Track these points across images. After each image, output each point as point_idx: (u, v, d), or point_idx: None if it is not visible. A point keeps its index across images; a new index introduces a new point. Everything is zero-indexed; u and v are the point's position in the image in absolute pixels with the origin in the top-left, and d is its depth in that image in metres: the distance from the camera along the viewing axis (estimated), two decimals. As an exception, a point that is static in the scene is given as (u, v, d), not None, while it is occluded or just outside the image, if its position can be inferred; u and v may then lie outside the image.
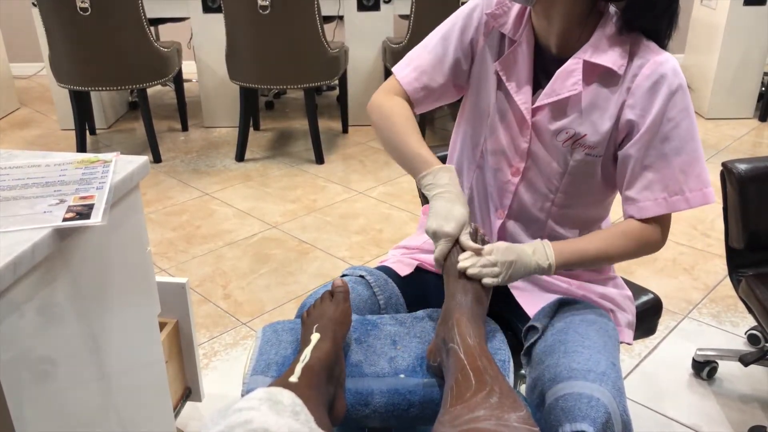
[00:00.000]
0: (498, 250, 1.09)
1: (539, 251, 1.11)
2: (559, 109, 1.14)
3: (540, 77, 1.18)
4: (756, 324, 1.71)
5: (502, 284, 1.09)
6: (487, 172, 1.25)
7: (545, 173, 1.19)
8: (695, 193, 1.12)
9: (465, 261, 1.07)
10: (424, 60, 1.24)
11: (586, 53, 1.11)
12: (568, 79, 1.12)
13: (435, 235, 1.10)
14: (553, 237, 1.23)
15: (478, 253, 1.08)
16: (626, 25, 1.10)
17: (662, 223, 1.15)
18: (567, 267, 1.13)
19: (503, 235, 1.26)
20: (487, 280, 1.07)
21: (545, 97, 1.14)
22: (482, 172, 1.27)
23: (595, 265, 1.21)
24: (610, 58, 1.10)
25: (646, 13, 1.08)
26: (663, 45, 1.12)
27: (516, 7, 1.17)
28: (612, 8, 1.12)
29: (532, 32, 1.16)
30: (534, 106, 1.16)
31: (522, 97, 1.17)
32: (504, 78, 1.18)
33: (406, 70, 1.25)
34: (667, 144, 1.10)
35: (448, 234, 1.08)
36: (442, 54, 1.23)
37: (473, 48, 1.22)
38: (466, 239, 1.09)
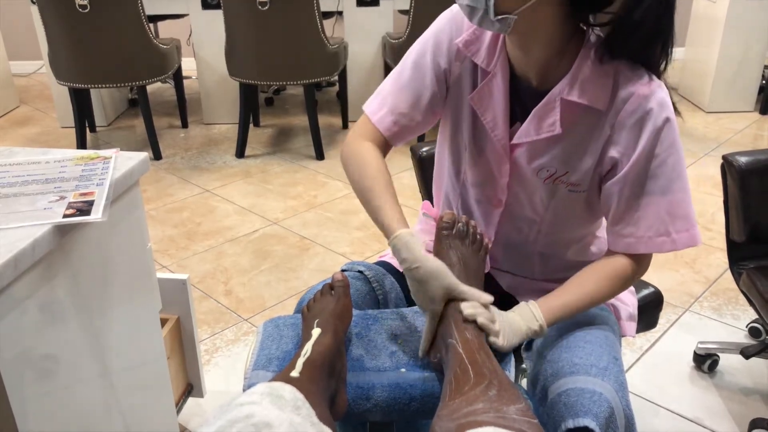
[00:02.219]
0: (494, 310, 1.03)
1: (526, 315, 1.05)
2: (538, 148, 1.09)
3: (516, 110, 1.11)
4: (757, 317, 1.71)
5: (506, 348, 1.01)
6: (470, 200, 1.23)
7: (528, 206, 1.16)
8: (682, 235, 1.06)
9: (469, 310, 0.99)
10: (400, 100, 1.15)
11: (565, 89, 1.03)
12: (545, 118, 1.05)
13: (424, 312, 1.04)
14: (545, 257, 1.23)
15: (491, 321, 1.01)
16: (609, 53, 1.01)
17: (647, 257, 1.11)
18: (558, 321, 1.07)
19: (493, 258, 1.25)
20: (492, 339, 0.99)
21: (522, 136, 1.08)
22: (466, 200, 1.24)
23: (585, 310, 1.13)
24: (592, 95, 1.02)
25: (630, 40, 0.98)
26: (657, 73, 1.03)
27: (489, 33, 1.09)
28: (593, 35, 1.04)
29: (507, 61, 1.08)
30: (512, 142, 1.10)
31: (498, 133, 1.11)
32: (479, 111, 1.12)
33: (381, 112, 1.17)
34: (653, 182, 1.03)
35: (434, 311, 1.01)
36: (418, 90, 1.15)
37: (447, 78, 1.15)
38: (466, 309, 1.00)
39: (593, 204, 1.14)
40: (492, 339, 0.99)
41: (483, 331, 0.99)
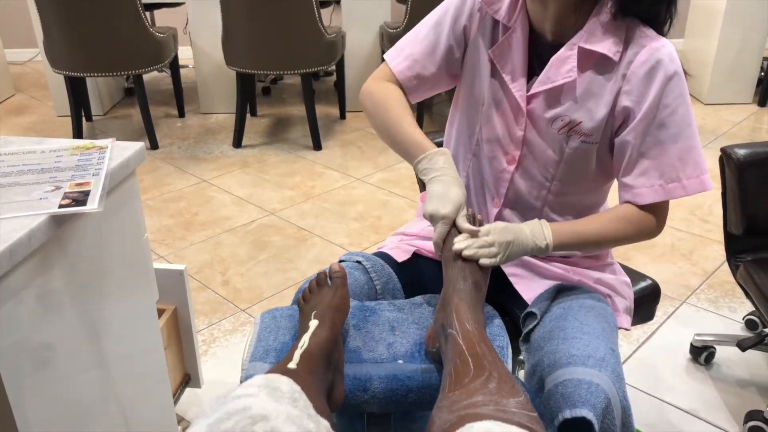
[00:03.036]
0: (495, 231, 1.08)
1: (537, 231, 1.11)
2: (554, 96, 1.13)
3: (534, 64, 1.16)
4: (754, 309, 1.71)
5: (501, 264, 1.09)
6: (482, 160, 1.25)
7: (541, 161, 1.18)
8: (692, 180, 1.11)
9: (460, 243, 1.06)
10: (416, 48, 1.22)
11: (581, 40, 1.09)
12: (562, 66, 1.11)
13: (432, 218, 1.09)
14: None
15: (474, 235, 1.08)
16: (622, 10, 1.08)
17: (660, 210, 1.14)
18: (564, 248, 1.13)
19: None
20: (484, 261, 1.06)
21: (540, 85, 1.13)
22: (478, 161, 1.26)
23: (592, 248, 1.20)
24: (606, 45, 1.08)
25: None
26: (662, 31, 1.10)
27: None
28: None
29: (526, 18, 1.14)
30: (529, 93, 1.15)
31: (517, 85, 1.15)
32: (498, 66, 1.17)
33: (398, 58, 1.24)
34: (663, 131, 1.09)
35: (446, 216, 1.08)
36: (434, 42, 1.21)
37: (466, 35, 1.21)
38: (462, 221, 1.08)
39: (604, 161, 1.17)
40: (483, 261, 1.06)
41: (481, 317, 1.01)
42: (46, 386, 0.97)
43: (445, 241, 1.09)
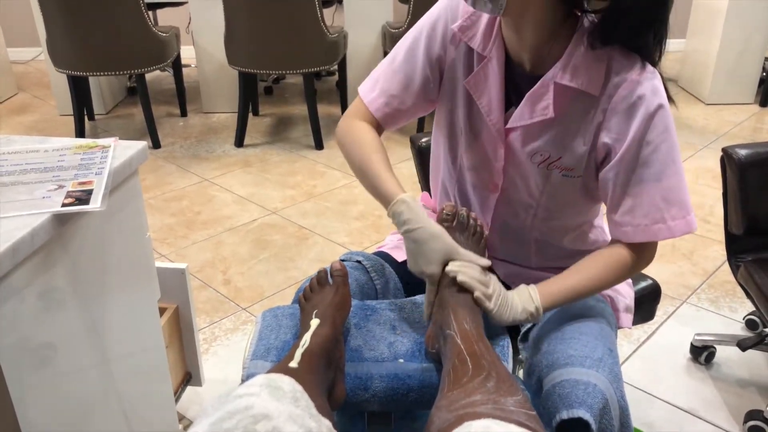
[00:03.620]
0: (493, 280, 1.04)
1: (524, 297, 1.05)
2: (532, 132, 1.09)
3: (511, 95, 1.11)
4: (754, 309, 1.71)
5: (494, 315, 1.02)
6: (467, 185, 1.23)
7: (524, 190, 1.16)
8: (678, 222, 1.05)
9: (454, 266, 1.01)
10: (392, 83, 1.17)
11: (558, 74, 1.03)
12: (538, 102, 1.06)
13: (420, 275, 1.05)
14: (541, 244, 1.23)
15: (484, 284, 1.02)
16: (601, 40, 1.00)
17: (649, 247, 1.10)
18: (555, 306, 1.08)
19: (490, 246, 1.25)
20: (477, 294, 1.00)
21: (517, 120, 1.09)
22: (462, 186, 1.24)
23: (584, 297, 1.13)
24: (584, 80, 1.02)
25: (621, 27, 0.98)
26: (652, 60, 1.02)
27: (485, 18, 1.10)
28: (587, 20, 1.04)
29: (502, 46, 1.09)
30: (506, 126, 1.11)
31: (493, 117, 1.11)
32: (475, 96, 1.12)
33: (373, 94, 1.18)
34: (646, 169, 1.03)
35: (432, 275, 1.03)
36: (409, 74, 1.16)
37: (441, 64, 1.15)
38: (458, 271, 1.01)
39: (591, 190, 1.14)
40: (478, 295, 1.00)
41: (477, 306, 1.00)
42: (48, 384, 0.97)
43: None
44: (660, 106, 1.01)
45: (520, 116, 1.09)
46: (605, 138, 1.05)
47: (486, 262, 1.05)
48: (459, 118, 1.17)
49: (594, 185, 1.12)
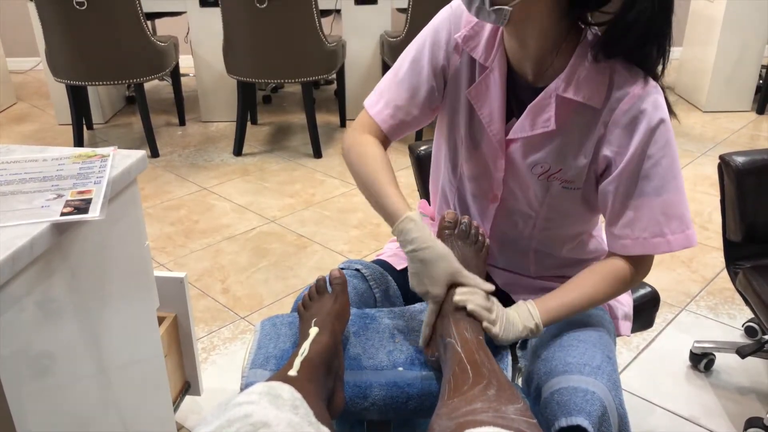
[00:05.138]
0: (495, 302, 1.04)
1: (524, 314, 1.05)
2: (533, 144, 1.09)
3: (513, 106, 1.12)
4: (753, 316, 1.71)
5: (499, 337, 1.02)
6: (466, 194, 1.23)
7: (524, 201, 1.16)
8: (677, 236, 1.05)
9: (462, 295, 1.01)
10: (397, 95, 1.17)
11: (561, 86, 1.04)
12: (540, 114, 1.06)
13: (423, 296, 1.04)
14: (540, 253, 1.23)
15: (488, 310, 1.02)
16: (604, 53, 1.01)
17: (647, 260, 1.10)
18: (555, 321, 1.07)
19: (489, 255, 1.24)
20: (486, 324, 1.00)
21: (518, 131, 1.09)
22: (462, 194, 1.25)
23: (583, 311, 1.12)
24: (587, 92, 1.03)
25: (624, 41, 0.99)
26: (654, 73, 1.03)
27: (488, 28, 1.10)
28: (590, 33, 1.04)
29: (504, 57, 1.09)
30: (507, 138, 1.11)
31: (494, 128, 1.11)
32: (476, 106, 1.12)
33: (379, 105, 1.18)
34: (646, 183, 1.03)
35: (436, 296, 1.02)
36: (415, 85, 1.16)
37: (444, 73, 1.16)
38: (474, 308, 1.01)
39: (590, 202, 1.14)
40: (486, 325, 1.00)
41: (479, 321, 1.00)
42: (47, 394, 0.97)
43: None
44: (662, 121, 1.01)
45: (522, 128, 1.09)
46: (606, 151, 1.05)
47: (490, 287, 1.05)
48: (460, 127, 1.17)
49: (594, 197, 1.12)
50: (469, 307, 1.00)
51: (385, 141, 1.20)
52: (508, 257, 1.26)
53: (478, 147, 1.16)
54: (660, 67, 1.03)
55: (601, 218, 1.28)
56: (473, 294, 1.02)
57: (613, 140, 1.04)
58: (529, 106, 1.07)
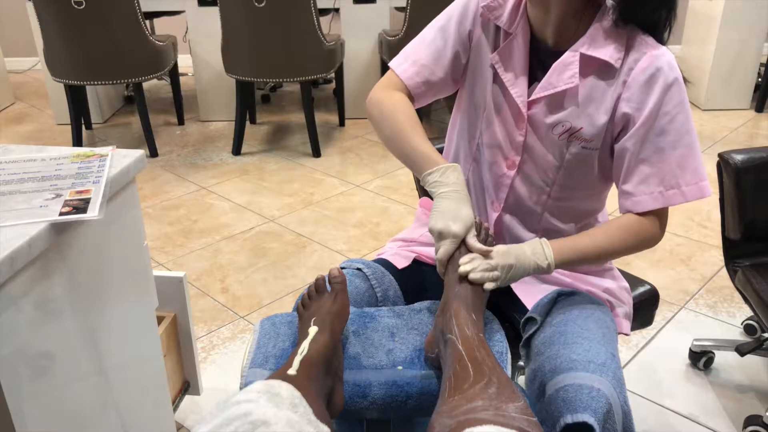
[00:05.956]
0: (497, 254, 1.08)
1: (538, 251, 1.10)
2: (555, 102, 1.14)
3: (536, 70, 1.17)
4: (752, 314, 1.71)
5: (502, 286, 1.09)
6: (483, 165, 1.25)
7: (541, 166, 1.19)
8: (691, 187, 1.11)
9: (466, 265, 1.05)
10: (423, 54, 1.22)
11: (583, 46, 1.10)
12: (564, 72, 1.11)
13: (441, 235, 1.07)
14: (549, 229, 1.24)
15: (485, 255, 1.07)
16: (622, 17, 1.08)
17: (660, 216, 1.14)
18: (566, 265, 1.13)
19: (499, 227, 1.26)
20: (488, 285, 1.05)
21: (541, 90, 1.14)
22: (478, 165, 1.26)
23: (594, 262, 1.20)
24: (607, 52, 1.09)
25: (643, 5, 1.07)
26: (661, 39, 1.11)
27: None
28: (609, 1, 1.10)
29: (527, 24, 1.15)
30: (530, 99, 1.15)
31: (518, 90, 1.16)
32: (500, 70, 1.17)
33: (405, 64, 1.23)
34: (663, 138, 1.09)
35: (456, 234, 1.07)
36: (441, 47, 1.21)
37: (470, 40, 1.21)
38: (473, 241, 1.08)
39: (604, 166, 1.17)
40: (487, 285, 1.05)
41: (481, 322, 1.01)
42: (45, 394, 0.97)
43: (450, 259, 1.08)
44: (676, 80, 1.08)
45: (547, 85, 1.13)
46: (625, 108, 1.10)
47: (490, 249, 1.08)
48: (482, 94, 1.21)
49: (608, 161, 1.17)
50: (472, 275, 1.04)
51: (411, 100, 1.24)
52: (516, 238, 1.26)
53: (500, 111, 1.19)
54: (666, 33, 1.11)
55: (607, 203, 1.29)
56: (476, 261, 1.05)
57: (632, 97, 1.09)
58: (554, 64, 1.12)
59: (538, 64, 1.16)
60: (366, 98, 1.26)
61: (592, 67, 1.11)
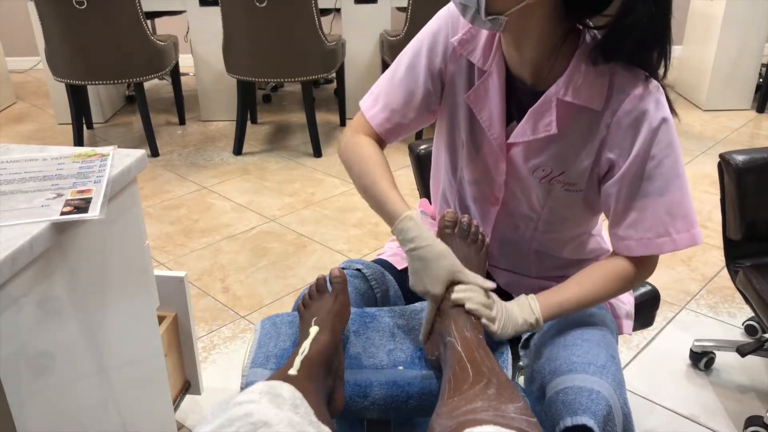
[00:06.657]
0: (493, 296, 1.04)
1: (525, 307, 1.05)
2: (534, 147, 1.09)
3: (513, 110, 1.11)
4: (753, 315, 1.71)
5: (499, 334, 1.02)
6: (467, 199, 1.23)
7: (525, 204, 1.16)
8: (682, 235, 1.05)
9: (460, 294, 1.01)
10: (394, 98, 1.16)
11: (561, 90, 1.03)
12: (541, 119, 1.05)
13: (422, 294, 1.05)
14: (541, 255, 1.23)
15: (488, 307, 1.01)
16: (604, 57, 0.99)
17: (651, 261, 1.10)
18: (554, 318, 1.08)
19: (490, 256, 1.25)
20: (485, 321, 1.00)
21: (519, 136, 1.08)
22: (463, 198, 1.24)
23: (583, 309, 1.13)
24: (587, 95, 1.02)
25: (625, 43, 0.97)
26: (656, 75, 1.01)
27: (485, 32, 1.09)
28: (588, 36, 1.03)
29: (503, 60, 1.08)
30: (508, 141, 1.10)
31: (494, 132, 1.10)
32: (475, 110, 1.12)
33: (375, 109, 1.18)
34: (650, 183, 1.03)
35: (436, 296, 1.01)
36: (411, 88, 1.15)
37: (442, 77, 1.15)
38: (461, 295, 1.01)
39: (592, 203, 1.14)
40: (485, 322, 1.00)
41: (478, 319, 1.00)
42: (47, 393, 0.97)
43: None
44: (663, 121, 1.01)
45: (523, 132, 1.08)
46: (608, 153, 1.04)
47: (490, 284, 1.04)
48: (460, 131, 1.17)
49: (596, 199, 1.12)
50: (468, 305, 1.00)
51: (381, 143, 1.20)
52: (509, 258, 1.26)
53: (479, 151, 1.15)
54: (662, 70, 1.02)
55: (602, 217, 1.29)
56: (472, 292, 1.01)
57: (616, 142, 1.03)
58: (529, 111, 1.06)
59: (516, 103, 1.10)
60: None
61: (571, 110, 1.04)
